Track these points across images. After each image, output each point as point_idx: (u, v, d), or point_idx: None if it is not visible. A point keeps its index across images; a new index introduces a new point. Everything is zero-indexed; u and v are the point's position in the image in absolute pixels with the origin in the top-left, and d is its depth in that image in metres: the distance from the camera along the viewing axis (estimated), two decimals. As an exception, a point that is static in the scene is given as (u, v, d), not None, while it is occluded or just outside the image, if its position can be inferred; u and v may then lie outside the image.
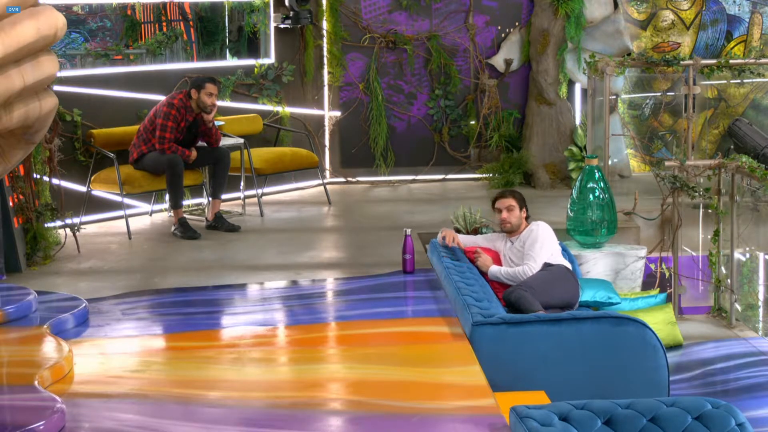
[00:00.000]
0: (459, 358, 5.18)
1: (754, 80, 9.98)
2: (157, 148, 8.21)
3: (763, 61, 9.31)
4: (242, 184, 9.17)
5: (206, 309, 6.39)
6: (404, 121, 10.56)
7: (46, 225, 7.58)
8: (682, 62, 8.80)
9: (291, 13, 9.94)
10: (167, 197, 8.53)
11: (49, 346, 5.30)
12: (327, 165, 10.46)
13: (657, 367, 5.32)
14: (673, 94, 10.40)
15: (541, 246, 6.38)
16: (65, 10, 9.79)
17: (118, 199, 8.39)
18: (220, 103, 9.64)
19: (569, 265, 6.48)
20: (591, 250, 7.64)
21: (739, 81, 10.15)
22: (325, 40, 10.31)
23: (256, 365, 5.25)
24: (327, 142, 10.45)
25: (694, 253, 8.10)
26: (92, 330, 5.85)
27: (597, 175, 7.69)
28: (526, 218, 6.62)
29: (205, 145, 8.56)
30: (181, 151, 8.23)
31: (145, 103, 8.91)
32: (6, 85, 5.28)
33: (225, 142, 8.83)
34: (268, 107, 9.97)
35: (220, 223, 8.41)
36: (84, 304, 6.07)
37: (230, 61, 10.25)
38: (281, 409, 4.58)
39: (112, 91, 8.76)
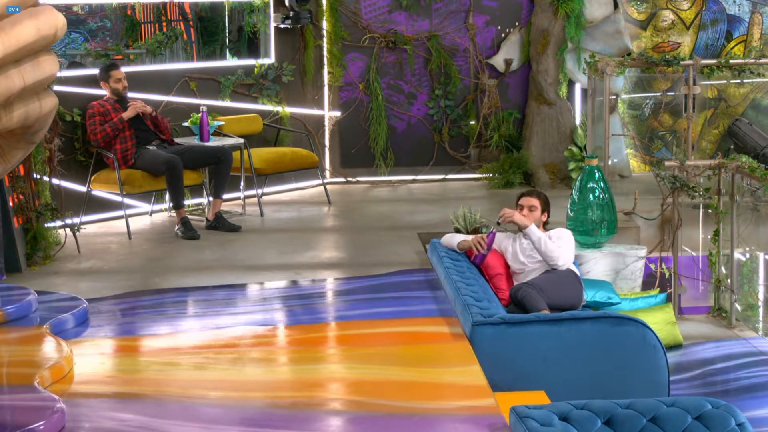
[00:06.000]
0: (459, 358, 5.18)
1: (754, 80, 9.97)
2: (94, 142, 8.33)
3: (763, 61, 9.30)
4: (242, 184, 9.17)
5: (206, 309, 6.39)
6: (404, 121, 10.56)
7: (46, 225, 7.58)
8: (682, 62, 8.79)
9: (291, 13, 9.94)
10: (167, 197, 8.53)
11: (49, 346, 5.30)
12: (327, 165, 10.45)
13: (657, 367, 5.32)
14: (673, 94, 10.40)
15: (570, 247, 6.42)
16: (65, 10, 9.79)
17: (118, 199, 8.39)
18: (220, 103, 9.67)
19: (576, 270, 6.49)
20: (591, 250, 7.64)
21: (739, 81, 10.14)
22: (325, 40, 10.30)
23: (256, 365, 5.25)
24: (327, 142, 10.45)
25: (694, 253, 8.10)
26: (92, 330, 5.85)
27: (597, 175, 7.69)
28: (545, 223, 6.63)
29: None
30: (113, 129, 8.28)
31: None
32: (6, 85, 5.28)
33: (225, 142, 8.83)
34: (268, 107, 9.97)
35: (220, 223, 8.41)
36: (84, 304, 6.06)
37: (230, 61, 10.25)
38: (281, 409, 4.58)
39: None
